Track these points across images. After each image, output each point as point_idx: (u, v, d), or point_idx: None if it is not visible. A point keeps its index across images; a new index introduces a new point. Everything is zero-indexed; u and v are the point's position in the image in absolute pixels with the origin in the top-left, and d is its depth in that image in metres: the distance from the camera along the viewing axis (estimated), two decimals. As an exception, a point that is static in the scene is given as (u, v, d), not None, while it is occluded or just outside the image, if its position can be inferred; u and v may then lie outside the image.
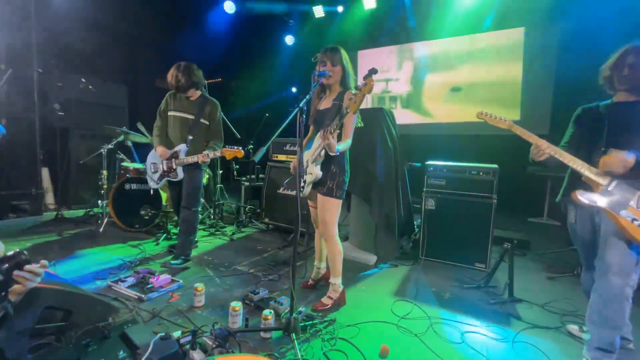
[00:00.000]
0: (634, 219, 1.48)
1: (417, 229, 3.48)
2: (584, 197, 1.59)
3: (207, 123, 2.86)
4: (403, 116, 6.27)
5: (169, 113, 2.86)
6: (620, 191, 1.53)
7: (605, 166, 1.53)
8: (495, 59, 5.43)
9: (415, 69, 6.15)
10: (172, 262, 2.77)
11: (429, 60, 6.00)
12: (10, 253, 1.02)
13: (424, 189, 3.07)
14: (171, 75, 2.77)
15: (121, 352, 1.35)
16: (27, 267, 1.02)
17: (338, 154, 1.97)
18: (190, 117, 2.81)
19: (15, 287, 1.02)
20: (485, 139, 5.16)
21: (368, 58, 6.63)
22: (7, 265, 1.00)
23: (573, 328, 1.98)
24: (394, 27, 6.08)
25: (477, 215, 2.86)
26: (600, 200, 1.56)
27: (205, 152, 2.68)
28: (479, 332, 1.95)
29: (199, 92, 2.90)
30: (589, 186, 1.61)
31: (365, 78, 1.69)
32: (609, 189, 1.54)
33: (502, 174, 2.89)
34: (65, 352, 1.27)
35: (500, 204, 2.87)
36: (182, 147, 2.76)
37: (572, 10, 4.61)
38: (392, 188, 3.11)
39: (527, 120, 5.14)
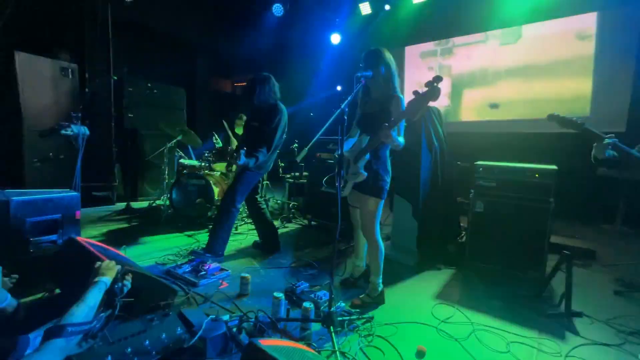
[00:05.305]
0: None
1: (463, 232, 3.33)
2: None
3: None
4: (452, 111, 5.99)
5: None
6: None
7: None
8: (563, 48, 4.92)
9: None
10: (198, 250, 2.82)
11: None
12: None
13: (472, 191, 2.93)
14: None
15: (179, 329, 1.52)
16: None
17: (402, 147, 1.97)
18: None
19: None
20: (549, 137, 4.70)
21: (415, 54, 6.44)
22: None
23: None
24: (443, 20, 5.82)
25: (531, 220, 2.65)
26: None
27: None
28: (527, 343, 1.83)
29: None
30: None
31: (428, 85, 1.63)
32: None
33: (568, 176, 2.64)
34: (134, 324, 1.47)
35: (564, 209, 2.64)
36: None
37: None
38: (438, 188, 3.02)
39: (600, 117, 4.58)
